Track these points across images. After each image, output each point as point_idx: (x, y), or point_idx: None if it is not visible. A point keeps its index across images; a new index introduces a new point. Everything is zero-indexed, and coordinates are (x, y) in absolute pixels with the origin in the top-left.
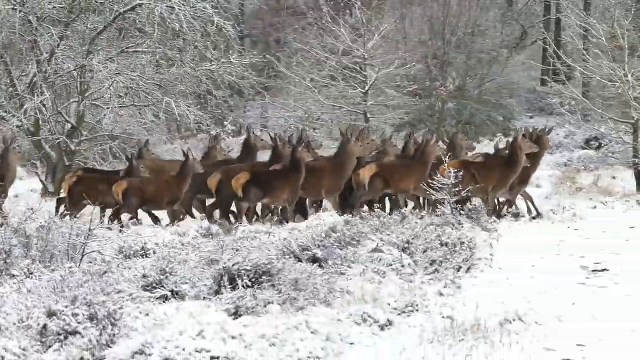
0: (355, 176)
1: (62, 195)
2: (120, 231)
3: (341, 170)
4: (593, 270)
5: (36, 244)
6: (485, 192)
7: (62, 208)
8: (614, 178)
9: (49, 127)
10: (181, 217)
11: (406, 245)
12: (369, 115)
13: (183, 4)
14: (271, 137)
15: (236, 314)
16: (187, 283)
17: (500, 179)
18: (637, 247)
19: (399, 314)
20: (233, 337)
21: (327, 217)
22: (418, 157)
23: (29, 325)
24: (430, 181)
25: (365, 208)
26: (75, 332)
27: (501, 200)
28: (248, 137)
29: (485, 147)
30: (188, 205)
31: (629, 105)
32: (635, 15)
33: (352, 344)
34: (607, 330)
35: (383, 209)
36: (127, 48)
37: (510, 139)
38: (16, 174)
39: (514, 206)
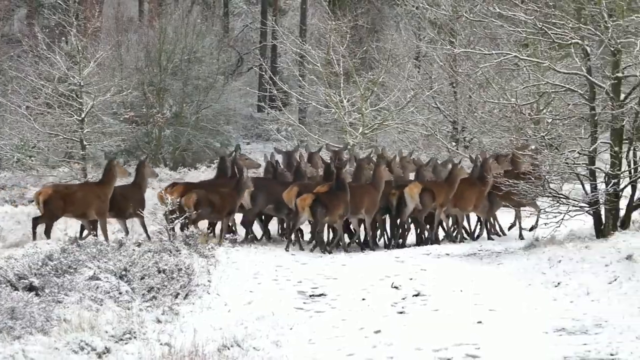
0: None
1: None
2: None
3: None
4: (310, 295)
5: None
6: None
7: None
8: None
9: None
10: None
11: (123, 273)
12: (85, 143)
13: None
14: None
15: None
16: None
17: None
18: (353, 272)
19: (116, 342)
20: None
21: (44, 245)
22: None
23: None
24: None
25: None
26: None
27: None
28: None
29: (203, 173)
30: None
31: (344, 130)
32: (350, 41)
33: None
34: (324, 354)
35: None
36: None
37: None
38: None
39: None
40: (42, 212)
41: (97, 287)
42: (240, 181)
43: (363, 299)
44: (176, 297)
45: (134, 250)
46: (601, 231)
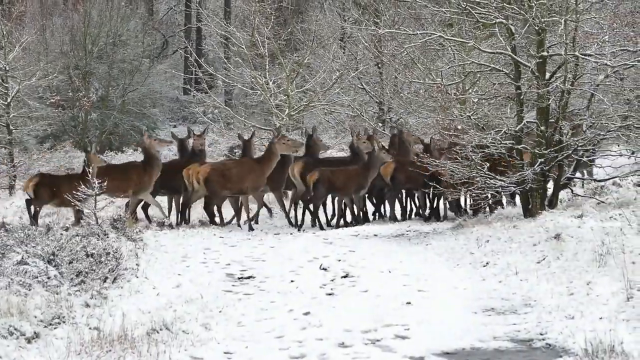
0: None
1: None
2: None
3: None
4: (239, 278)
5: None
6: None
7: None
8: None
9: None
10: None
11: (51, 257)
12: (11, 127)
13: None
14: None
15: None
16: None
17: None
18: (281, 254)
19: (45, 326)
20: None
21: None
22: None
23: None
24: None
25: None
26: None
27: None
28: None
29: (130, 156)
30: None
31: (271, 112)
32: (275, 23)
33: None
34: (253, 336)
35: None
36: None
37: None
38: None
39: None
40: (205, 190)
41: (26, 272)
42: (371, 157)
43: (292, 281)
44: (104, 281)
45: (61, 234)
46: (529, 211)
